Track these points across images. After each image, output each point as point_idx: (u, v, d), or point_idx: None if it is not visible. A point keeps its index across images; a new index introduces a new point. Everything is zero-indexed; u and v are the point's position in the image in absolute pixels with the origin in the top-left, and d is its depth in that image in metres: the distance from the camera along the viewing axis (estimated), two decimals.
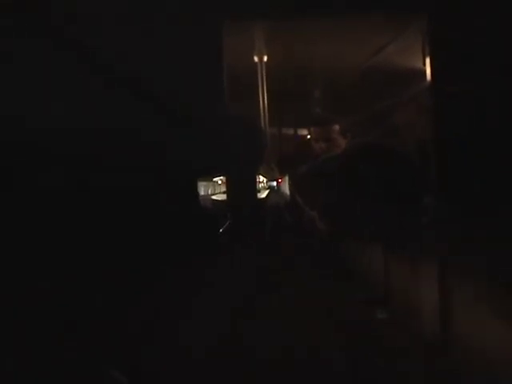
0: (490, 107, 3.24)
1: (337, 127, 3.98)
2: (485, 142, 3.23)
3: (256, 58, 5.08)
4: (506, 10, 3.11)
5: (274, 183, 10.44)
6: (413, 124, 4.69)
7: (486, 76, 3.22)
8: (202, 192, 5.65)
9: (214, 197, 6.59)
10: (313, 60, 5.03)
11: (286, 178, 9.72)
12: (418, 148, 4.13)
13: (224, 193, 5.28)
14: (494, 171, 3.13)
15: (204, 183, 5.91)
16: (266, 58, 5.10)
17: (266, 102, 5.55)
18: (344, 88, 5.60)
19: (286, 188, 10.10)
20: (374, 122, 5.46)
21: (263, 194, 10.50)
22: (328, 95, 6.09)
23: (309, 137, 6.47)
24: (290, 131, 7.35)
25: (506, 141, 3.19)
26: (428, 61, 3.75)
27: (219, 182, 6.46)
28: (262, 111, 5.58)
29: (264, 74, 5.30)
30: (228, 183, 5.13)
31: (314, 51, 4.87)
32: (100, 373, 1.85)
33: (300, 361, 2.20)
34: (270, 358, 2.25)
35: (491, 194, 3.09)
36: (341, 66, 5.16)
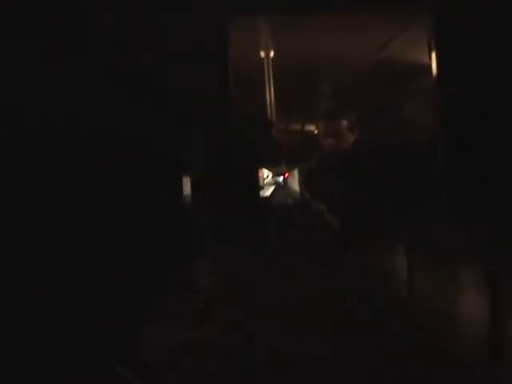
0: (498, 102, 3.21)
1: (345, 122, 3.97)
2: (493, 136, 3.21)
3: (262, 54, 5.07)
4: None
5: (281, 178, 10.21)
6: (420, 119, 4.67)
7: (494, 70, 3.19)
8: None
9: None
10: (319, 55, 5.01)
11: (293, 173, 9.58)
12: (425, 143, 4.10)
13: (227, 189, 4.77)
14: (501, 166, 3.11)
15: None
16: (272, 54, 5.09)
17: (272, 97, 5.55)
18: (351, 83, 5.57)
19: (293, 183, 9.90)
20: (381, 116, 5.43)
21: (269, 190, 10.14)
22: (334, 90, 6.06)
23: (316, 132, 6.43)
24: (298, 126, 7.31)
25: None
26: (434, 55, 3.73)
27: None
28: (268, 106, 5.57)
29: (271, 69, 5.29)
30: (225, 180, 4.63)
31: (321, 46, 4.85)
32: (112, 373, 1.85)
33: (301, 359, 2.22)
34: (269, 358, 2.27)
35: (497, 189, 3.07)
36: (347, 61, 5.14)
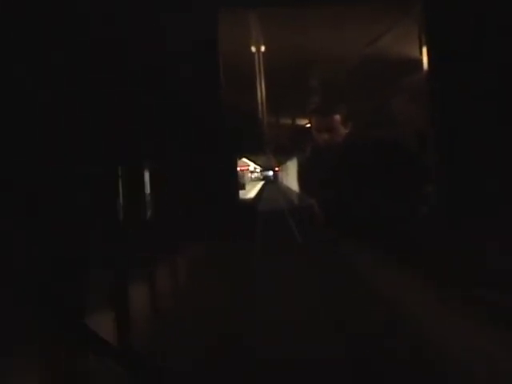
0: (488, 94, 3.21)
1: (338, 117, 3.94)
2: (482, 130, 3.22)
3: (253, 49, 5.07)
4: None
5: (271, 173, 9.53)
6: (410, 113, 4.68)
7: (483, 63, 3.20)
8: None
9: None
10: (310, 50, 5.01)
11: (286, 167, 9.11)
12: (416, 137, 4.12)
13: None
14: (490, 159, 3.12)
15: None
16: (263, 48, 5.08)
17: (263, 91, 5.54)
18: (342, 77, 5.58)
19: (285, 178, 9.26)
20: (372, 111, 5.44)
21: (258, 186, 9.23)
22: (325, 85, 6.07)
23: (307, 126, 6.42)
24: (288, 120, 7.30)
25: (506, 127, 3.17)
26: (424, 50, 3.73)
27: None
28: (259, 101, 5.57)
29: (261, 64, 5.29)
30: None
31: (312, 41, 4.85)
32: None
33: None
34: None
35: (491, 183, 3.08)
36: (338, 55, 5.14)
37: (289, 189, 8.18)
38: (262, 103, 5.56)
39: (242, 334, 2.55)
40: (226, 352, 2.33)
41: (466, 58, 3.28)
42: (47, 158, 1.95)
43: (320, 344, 2.55)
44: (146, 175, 3.27)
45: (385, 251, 3.51)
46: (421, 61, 3.76)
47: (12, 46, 1.82)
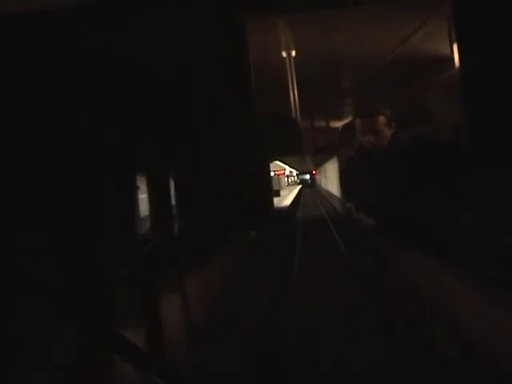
0: None
1: (382, 118, 3.92)
2: None
3: (284, 54, 5.10)
4: None
5: (307, 176, 9.08)
6: (446, 110, 4.64)
7: None
8: None
9: None
10: (341, 51, 5.02)
11: (324, 170, 8.91)
12: (454, 134, 4.09)
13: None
14: None
15: None
16: (294, 53, 5.11)
17: (296, 94, 5.57)
18: (376, 77, 5.56)
19: (324, 181, 8.94)
20: (409, 110, 5.42)
21: (294, 190, 8.76)
22: (360, 86, 6.05)
23: (350, 126, 6.41)
24: (323, 122, 7.28)
25: None
26: (455, 47, 3.71)
27: None
28: (292, 104, 5.60)
29: (293, 68, 5.31)
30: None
31: (342, 42, 4.85)
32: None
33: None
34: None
35: None
36: (370, 55, 5.13)
37: (328, 193, 7.58)
38: (295, 106, 5.59)
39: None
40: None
41: (496, 54, 3.25)
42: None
43: None
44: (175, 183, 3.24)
45: (434, 256, 3.47)
46: (452, 57, 3.74)
47: None
